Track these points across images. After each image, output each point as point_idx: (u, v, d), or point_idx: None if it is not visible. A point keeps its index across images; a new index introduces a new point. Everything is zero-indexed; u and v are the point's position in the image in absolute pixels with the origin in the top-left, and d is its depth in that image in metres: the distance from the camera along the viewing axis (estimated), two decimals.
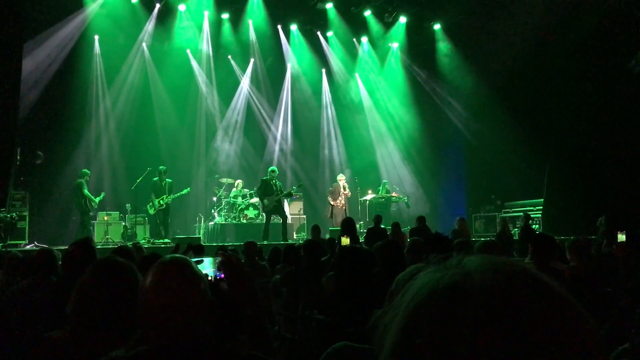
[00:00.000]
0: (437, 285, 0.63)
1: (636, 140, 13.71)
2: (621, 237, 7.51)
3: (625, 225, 8.96)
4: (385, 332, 0.65)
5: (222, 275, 2.10)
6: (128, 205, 14.15)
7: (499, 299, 0.59)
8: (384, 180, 16.96)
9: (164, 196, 13.24)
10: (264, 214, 13.97)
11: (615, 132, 14.07)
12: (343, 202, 14.95)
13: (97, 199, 13.19)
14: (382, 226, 10.70)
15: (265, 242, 12.15)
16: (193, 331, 1.59)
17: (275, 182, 13.59)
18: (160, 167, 13.55)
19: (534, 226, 13.98)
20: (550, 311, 0.60)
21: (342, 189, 15.00)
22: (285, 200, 15.54)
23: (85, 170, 13.42)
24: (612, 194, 13.32)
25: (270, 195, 13.36)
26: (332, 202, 14.95)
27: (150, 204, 13.34)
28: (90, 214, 13.15)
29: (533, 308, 0.59)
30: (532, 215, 14.71)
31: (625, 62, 14.07)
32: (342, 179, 15.34)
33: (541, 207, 15.61)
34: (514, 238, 12.16)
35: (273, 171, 13.80)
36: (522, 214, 13.54)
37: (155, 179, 13.39)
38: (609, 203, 12.76)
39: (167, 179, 13.46)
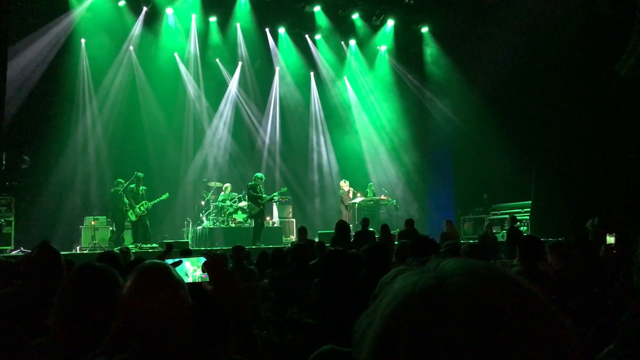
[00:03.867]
0: (414, 289, 0.63)
1: (623, 142, 13.82)
2: (610, 240, 7.56)
3: (613, 227, 9.02)
4: (363, 336, 0.65)
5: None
6: None
7: (474, 302, 0.59)
8: (370, 183, 17.00)
9: (144, 202, 13.21)
10: (251, 219, 14.01)
11: (602, 134, 14.17)
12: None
13: (152, 202, 13.31)
14: (370, 229, 10.71)
15: (254, 246, 12.14)
16: (172, 337, 1.57)
17: (260, 188, 13.67)
18: (139, 173, 13.46)
19: (521, 228, 14.06)
20: (525, 314, 0.60)
21: (348, 194, 15.37)
22: (274, 204, 15.56)
23: (119, 179, 13.39)
24: (599, 196, 13.41)
25: (257, 200, 13.44)
26: (345, 208, 15.27)
27: (131, 211, 13.24)
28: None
29: (508, 311, 0.59)
30: (520, 217, 14.81)
31: (612, 64, 14.19)
32: (345, 185, 15.57)
33: (529, 209, 15.70)
34: (498, 240, 12.22)
35: (261, 178, 13.87)
36: (508, 216, 13.63)
37: (132, 185, 13.31)
38: (596, 205, 12.84)
39: (142, 187, 13.42)
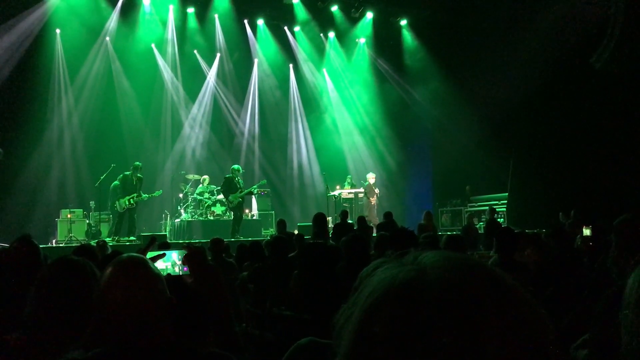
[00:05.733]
0: (393, 282, 0.63)
1: (598, 135, 14.03)
2: (586, 232, 7.69)
3: (589, 219, 9.16)
4: (342, 329, 0.65)
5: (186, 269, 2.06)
6: (92, 203, 13.89)
7: (453, 294, 0.59)
8: (349, 175, 17.05)
9: (134, 195, 12.88)
10: (231, 212, 13.92)
11: (578, 127, 14.36)
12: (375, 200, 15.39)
13: (143, 197, 13.03)
14: (349, 221, 10.73)
15: (233, 239, 12.10)
16: (150, 331, 1.56)
17: (239, 180, 13.56)
18: (136, 162, 13.20)
19: (499, 220, 14.22)
20: (503, 305, 0.60)
21: (373, 187, 15.38)
22: (253, 196, 15.50)
23: (136, 162, 13.16)
24: (575, 189, 13.61)
25: (234, 193, 13.32)
26: (372, 201, 15.22)
27: (121, 198, 12.85)
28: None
29: (487, 303, 0.59)
30: (497, 209, 14.97)
31: (587, 57, 14.37)
32: (372, 178, 15.59)
33: (506, 201, 15.87)
34: (479, 232, 12.35)
35: (238, 170, 13.76)
36: (487, 207, 13.77)
37: (128, 172, 12.91)
38: (571, 197, 13.02)
39: (139, 174, 13.10)
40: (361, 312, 0.63)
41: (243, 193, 13.48)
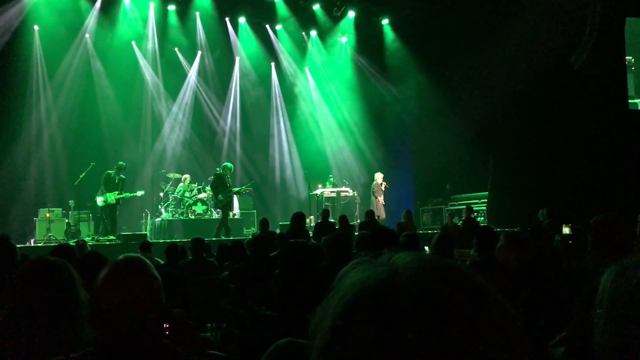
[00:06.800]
0: (365, 284, 0.63)
1: (576, 135, 14.21)
2: (565, 230, 7.80)
3: (568, 218, 9.29)
4: (316, 330, 0.65)
5: None
6: (71, 202, 13.71)
7: (425, 296, 0.60)
8: (331, 175, 17.06)
9: (116, 192, 12.75)
10: (216, 210, 13.82)
11: (557, 127, 14.54)
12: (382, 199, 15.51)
13: (124, 195, 12.84)
14: (330, 220, 10.75)
15: (223, 238, 12.03)
16: (142, 332, 1.56)
17: (229, 178, 13.46)
18: (120, 162, 13.07)
19: (478, 219, 14.34)
20: (474, 307, 0.61)
21: (380, 187, 15.44)
22: (235, 195, 15.43)
23: (121, 162, 13.01)
24: (554, 188, 13.77)
25: (224, 191, 13.20)
26: (380, 200, 15.27)
27: (101, 194, 12.69)
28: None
29: (455, 303, 0.60)
30: (477, 208, 15.09)
31: (566, 59, 14.56)
32: (380, 177, 15.64)
33: (486, 200, 16.00)
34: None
35: (230, 169, 13.62)
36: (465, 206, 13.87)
37: (111, 171, 12.80)
38: (551, 196, 13.17)
39: (122, 175, 12.96)
40: (333, 314, 0.63)
41: (231, 193, 13.33)
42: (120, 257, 1.68)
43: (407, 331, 0.57)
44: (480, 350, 0.57)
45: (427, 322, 0.58)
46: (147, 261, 1.69)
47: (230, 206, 13.54)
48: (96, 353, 1.56)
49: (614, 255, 2.87)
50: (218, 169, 13.97)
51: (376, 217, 11.78)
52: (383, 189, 15.62)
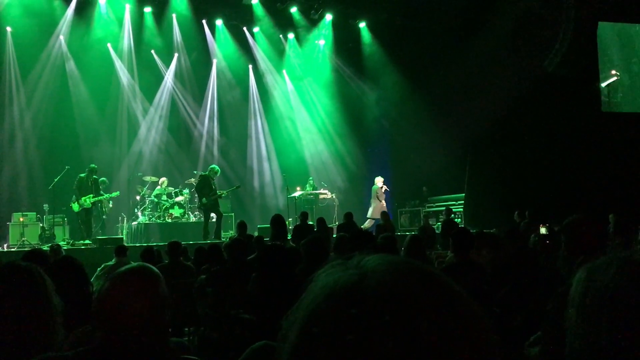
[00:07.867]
0: (335, 287, 0.63)
1: (551, 136, 14.42)
2: (542, 230, 7.90)
3: (544, 218, 9.43)
4: (287, 332, 0.65)
5: None
6: (46, 206, 13.49)
7: (394, 298, 0.60)
8: (310, 177, 17.06)
9: (91, 195, 12.58)
10: (200, 212, 13.67)
11: (532, 129, 14.74)
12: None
13: (100, 197, 12.70)
14: (309, 222, 10.74)
15: (209, 241, 11.87)
16: (143, 330, 1.57)
17: (214, 181, 13.27)
18: (92, 165, 12.90)
19: (456, 220, 14.46)
20: (443, 309, 0.61)
21: (381, 190, 15.31)
22: None
23: (92, 165, 12.80)
24: (530, 189, 13.95)
25: (208, 194, 12.97)
26: (382, 203, 15.16)
27: (74, 199, 12.58)
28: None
29: (426, 306, 0.60)
30: (454, 210, 15.22)
31: (541, 61, 14.78)
32: (380, 181, 15.50)
33: (463, 201, 16.15)
34: (437, 232, 12.52)
35: (216, 172, 13.39)
36: (444, 208, 13.99)
37: (83, 175, 12.62)
38: (527, 197, 13.34)
39: (94, 176, 12.73)
40: (304, 315, 0.63)
41: (216, 196, 13.09)
42: (135, 264, 1.72)
43: (375, 334, 0.57)
44: (449, 351, 0.57)
45: (395, 324, 0.58)
46: (160, 276, 1.71)
47: (215, 209, 13.20)
48: (94, 352, 1.58)
49: (585, 255, 2.92)
50: (196, 171, 13.84)
51: (381, 221, 11.70)
52: (383, 192, 15.69)
